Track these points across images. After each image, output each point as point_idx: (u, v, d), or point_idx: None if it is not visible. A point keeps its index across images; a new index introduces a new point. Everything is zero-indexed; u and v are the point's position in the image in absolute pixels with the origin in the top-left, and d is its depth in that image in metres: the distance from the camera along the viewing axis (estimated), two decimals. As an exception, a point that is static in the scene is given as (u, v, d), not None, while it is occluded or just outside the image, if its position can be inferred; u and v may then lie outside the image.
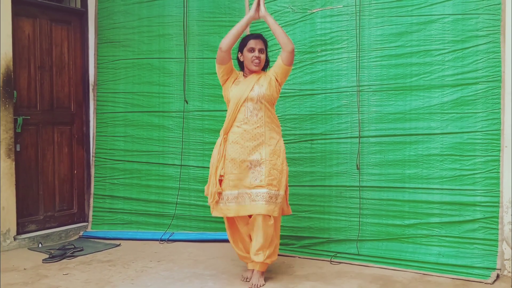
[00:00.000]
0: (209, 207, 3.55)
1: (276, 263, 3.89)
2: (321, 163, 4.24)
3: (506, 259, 3.59)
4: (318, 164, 4.25)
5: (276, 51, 4.15)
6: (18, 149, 4.60)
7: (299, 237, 4.30)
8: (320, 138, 4.24)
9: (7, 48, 4.46)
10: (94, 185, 5.13)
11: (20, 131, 4.62)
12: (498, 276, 3.55)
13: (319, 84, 4.24)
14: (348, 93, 4.12)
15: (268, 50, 3.64)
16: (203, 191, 3.62)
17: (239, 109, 3.45)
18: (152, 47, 4.99)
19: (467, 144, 3.73)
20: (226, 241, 3.95)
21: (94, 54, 5.16)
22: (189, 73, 4.87)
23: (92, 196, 5.13)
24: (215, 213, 3.50)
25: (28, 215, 4.73)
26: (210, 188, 3.46)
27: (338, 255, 4.07)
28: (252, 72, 3.53)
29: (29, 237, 4.62)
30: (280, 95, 3.66)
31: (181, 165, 4.90)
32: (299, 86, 4.28)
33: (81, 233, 5.01)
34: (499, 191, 3.63)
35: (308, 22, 4.27)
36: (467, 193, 3.73)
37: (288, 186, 3.88)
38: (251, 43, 3.49)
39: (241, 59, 3.57)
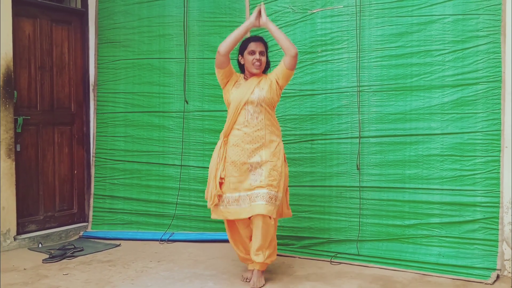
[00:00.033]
0: (209, 207, 3.55)
1: (276, 263, 3.89)
2: (321, 163, 4.24)
3: (506, 260, 3.59)
4: (318, 165, 4.25)
5: (276, 51, 4.15)
6: (18, 149, 4.60)
7: (299, 237, 4.30)
8: (320, 138, 4.24)
9: (8, 48, 4.46)
10: (94, 185, 5.13)
11: (20, 131, 4.62)
12: (498, 276, 3.55)
13: (320, 84, 4.24)
14: (348, 93, 4.13)
15: (268, 50, 3.64)
16: (203, 191, 3.62)
17: (239, 112, 3.44)
18: (152, 47, 4.99)
19: (467, 144, 3.73)
20: (226, 241, 3.95)
21: (95, 54, 5.16)
22: (189, 73, 4.87)
23: (92, 196, 5.13)
24: (214, 215, 3.50)
25: (28, 215, 4.73)
26: (210, 191, 3.45)
27: (338, 255, 4.06)
28: (252, 75, 3.52)
29: (29, 237, 4.62)
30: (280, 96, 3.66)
31: (181, 165, 4.90)
32: (299, 86, 4.28)
33: (81, 233, 5.01)
34: (499, 191, 3.63)
35: (308, 22, 4.27)
36: (467, 193, 3.73)
37: (288, 186, 3.89)
38: (252, 46, 3.48)
39: (242, 62, 3.56)
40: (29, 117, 4.71)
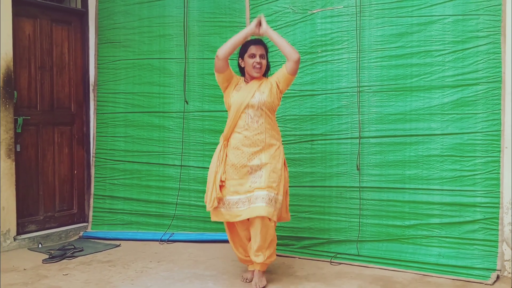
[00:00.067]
0: (209, 207, 3.54)
1: (276, 264, 3.89)
2: (321, 163, 4.24)
3: (506, 260, 3.59)
4: (318, 165, 4.25)
5: (276, 51, 4.15)
6: (18, 149, 4.60)
7: (299, 238, 4.30)
8: (320, 138, 4.24)
9: (8, 48, 4.46)
10: (94, 186, 5.13)
11: (20, 131, 4.62)
12: (498, 277, 3.55)
13: (320, 84, 4.24)
14: (348, 93, 4.13)
15: (268, 52, 3.63)
16: (203, 191, 3.62)
17: (240, 116, 3.44)
18: (152, 47, 4.99)
19: (467, 145, 3.74)
20: (226, 241, 3.95)
21: (95, 54, 5.17)
22: (189, 74, 4.87)
23: (92, 196, 5.13)
24: (215, 218, 3.50)
25: (28, 215, 4.73)
26: (210, 194, 3.44)
27: (338, 255, 4.06)
28: (253, 78, 3.51)
29: (29, 238, 4.62)
30: (280, 96, 3.66)
31: (181, 166, 4.90)
32: (299, 86, 4.28)
33: (81, 233, 5.01)
34: (499, 192, 3.63)
35: (308, 22, 4.27)
36: (467, 194, 3.73)
37: (289, 187, 3.89)
38: (252, 49, 3.47)
39: (242, 65, 3.55)
40: (29, 117, 4.71)
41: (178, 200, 4.89)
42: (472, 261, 3.66)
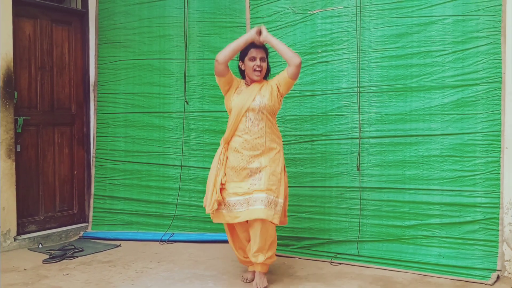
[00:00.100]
0: (209, 208, 3.54)
1: (276, 264, 3.89)
2: (321, 164, 4.24)
3: (507, 260, 3.59)
4: (319, 165, 4.25)
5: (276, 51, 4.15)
6: (18, 149, 4.60)
7: (299, 238, 4.30)
8: (320, 139, 4.24)
9: (8, 49, 4.46)
10: (95, 186, 5.13)
11: (20, 131, 4.62)
12: (498, 277, 3.55)
13: (320, 85, 4.24)
14: (348, 94, 4.13)
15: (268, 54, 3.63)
16: (203, 192, 3.62)
17: (240, 119, 3.44)
18: (152, 48, 4.99)
19: (468, 145, 3.74)
20: (227, 242, 3.95)
21: (95, 54, 5.17)
22: (189, 74, 4.87)
23: (92, 196, 5.13)
24: (216, 219, 3.50)
25: (28, 215, 4.73)
26: (211, 197, 3.43)
27: (338, 256, 4.07)
28: (253, 81, 3.51)
29: (29, 238, 4.62)
30: (280, 96, 3.66)
31: (181, 166, 4.90)
32: (299, 87, 4.28)
33: (81, 233, 5.01)
34: (499, 192, 3.63)
35: (308, 23, 4.27)
36: (467, 194, 3.73)
37: (289, 187, 3.89)
38: (252, 52, 3.46)
39: (242, 68, 3.55)
40: (29, 118, 4.71)
41: (178, 201, 4.89)
42: (472, 261, 3.66)
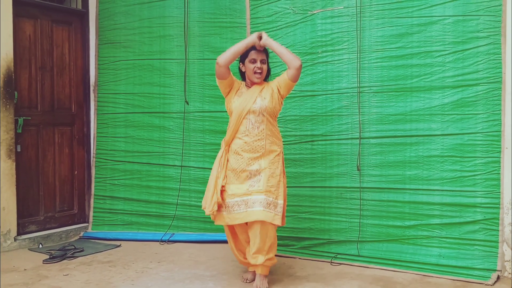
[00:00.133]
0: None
1: (276, 264, 3.89)
2: (321, 164, 4.24)
3: (507, 261, 3.59)
4: (319, 165, 4.25)
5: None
6: (18, 149, 4.61)
7: (299, 238, 4.30)
8: (320, 139, 4.24)
9: (8, 49, 4.47)
10: (95, 186, 5.13)
11: (20, 131, 4.62)
12: (498, 277, 3.55)
13: (320, 85, 4.24)
14: (348, 94, 4.13)
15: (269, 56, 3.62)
16: (203, 192, 3.61)
17: (241, 122, 3.44)
18: (152, 48, 4.99)
19: (468, 145, 3.74)
20: (227, 242, 3.95)
21: (95, 55, 5.17)
22: (189, 74, 4.87)
23: (92, 196, 5.13)
24: (218, 221, 3.49)
25: (28, 215, 4.73)
26: (211, 198, 3.42)
27: (338, 256, 4.07)
28: (254, 83, 3.52)
29: (29, 238, 4.62)
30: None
31: (181, 166, 4.90)
32: (299, 87, 4.28)
33: (82, 233, 5.01)
34: (499, 192, 3.63)
35: (308, 23, 4.27)
36: (467, 194, 3.73)
37: (289, 187, 3.89)
38: (253, 54, 3.46)
39: (243, 70, 3.55)
40: (30, 118, 4.72)
41: (178, 201, 4.89)
42: (472, 262, 3.66)
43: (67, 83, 5.08)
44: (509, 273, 3.58)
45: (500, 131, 3.63)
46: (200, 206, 4.73)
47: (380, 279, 3.63)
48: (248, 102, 3.42)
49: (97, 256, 4.30)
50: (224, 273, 3.82)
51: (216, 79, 3.48)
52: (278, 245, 3.72)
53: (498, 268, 3.58)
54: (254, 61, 3.46)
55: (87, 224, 5.13)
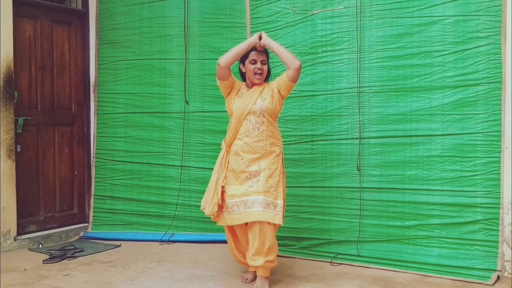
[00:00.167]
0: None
1: (276, 264, 3.88)
2: (321, 164, 4.24)
3: (507, 261, 3.59)
4: (319, 165, 4.25)
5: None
6: (18, 149, 4.61)
7: (299, 238, 4.30)
8: (320, 139, 4.24)
9: (8, 49, 4.47)
10: (95, 186, 5.13)
11: (20, 131, 4.62)
12: (498, 277, 3.55)
13: (320, 85, 4.24)
14: (348, 94, 4.13)
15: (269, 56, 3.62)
16: (203, 192, 3.61)
17: (241, 123, 3.44)
18: (153, 48, 4.99)
19: (468, 145, 3.74)
20: (227, 242, 3.94)
21: (95, 55, 5.17)
22: (189, 74, 4.87)
23: (92, 196, 5.13)
24: (220, 222, 3.49)
25: (28, 215, 4.73)
26: (211, 199, 3.42)
27: (338, 256, 4.07)
28: (254, 84, 3.51)
29: (29, 238, 4.62)
30: (281, 96, 3.65)
31: (181, 166, 4.90)
32: (300, 87, 4.28)
33: (82, 233, 5.01)
34: (499, 192, 3.63)
35: (309, 23, 4.27)
36: (467, 194, 3.73)
37: (289, 187, 3.89)
38: (253, 55, 3.46)
39: (243, 70, 3.55)
40: (30, 118, 4.72)
41: (178, 201, 4.89)
42: (472, 262, 3.66)
43: (67, 83, 5.08)
44: (509, 273, 3.58)
45: (500, 131, 3.62)
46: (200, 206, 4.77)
47: (380, 279, 3.63)
48: (249, 103, 3.42)
49: (97, 256, 4.29)
50: (224, 273, 3.82)
51: (217, 80, 3.48)
52: (278, 245, 3.72)
53: (498, 268, 3.58)
54: (254, 62, 3.46)
55: (87, 224, 5.13)
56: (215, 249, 4.47)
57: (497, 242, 3.62)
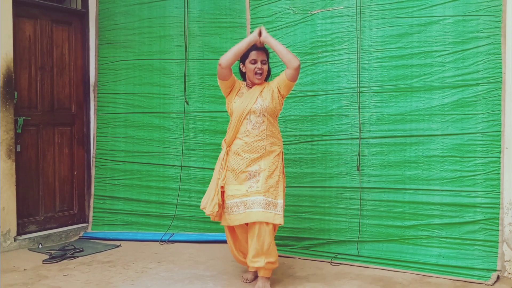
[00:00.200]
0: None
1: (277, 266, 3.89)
2: (321, 164, 4.24)
3: (507, 261, 3.59)
4: (319, 165, 4.25)
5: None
6: (18, 149, 4.61)
7: (299, 238, 4.30)
8: (320, 139, 4.24)
9: (8, 49, 4.47)
10: (95, 186, 5.13)
11: (20, 131, 4.62)
12: (498, 277, 3.55)
13: (320, 85, 4.24)
14: (348, 94, 4.13)
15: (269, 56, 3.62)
16: (203, 192, 3.61)
17: (241, 122, 3.44)
18: (152, 48, 4.99)
19: (468, 145, 3.74)
20: (226, 242, 3.95)
21: (95, 55, 5.17)
22: (189, 74, 4.87)
23: (92, 196, 5.13)
24: (223, 222, 3.49)
25: (28, 215, 4.73)
26: (212, 199, 3.42)
27: (338, 256, 4.07)
28: (254, 83, 3.52)
29: (29, 238, 4.62)
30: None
31: (181, 166, 4.90)
32: (299, 87, 4.28)
33: (81, 233, 5.01)
34: (499, 192, 3.63)
35: (308, 23, 4.27)
36: (467, 194, 3.73)
37: (289, 187, 3.89)
38: (253, 55, 3.46)
39: (243, 70, 3.55)
40: (30, 118, 4.72)
41: (178, 201, 4.89)
42: (472, 262, 3.66)
43: (67, 83, 5.08)
44: (509, 273, 3.58)
45: (500, 131, 3.63)
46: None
47: (380, 279, 3.63)
48: (249, 103, 3.42)
49: (97, 256, 4.29)
50: (224, 273, 3.82)
51: (218, 79, 3.48)
52: (278, 245, 3.73)
53: (498, 268, 3.58)
54: (254, 62, 3.46)
55: (87, 224, 5.13)
56: (215, 249, 4.47)
57: (497, 242, 3.62)
